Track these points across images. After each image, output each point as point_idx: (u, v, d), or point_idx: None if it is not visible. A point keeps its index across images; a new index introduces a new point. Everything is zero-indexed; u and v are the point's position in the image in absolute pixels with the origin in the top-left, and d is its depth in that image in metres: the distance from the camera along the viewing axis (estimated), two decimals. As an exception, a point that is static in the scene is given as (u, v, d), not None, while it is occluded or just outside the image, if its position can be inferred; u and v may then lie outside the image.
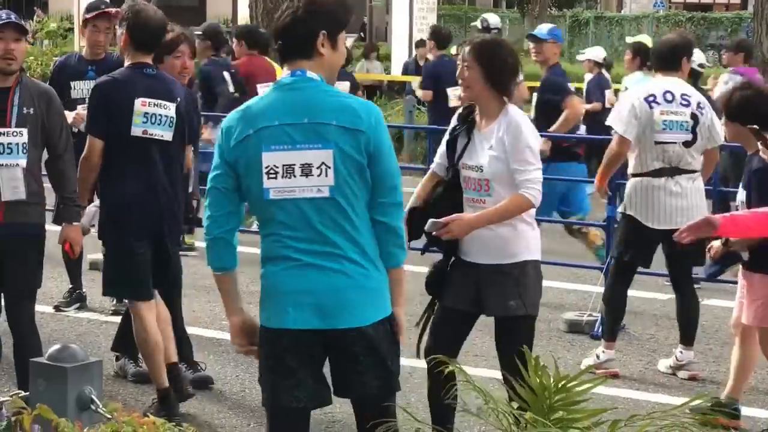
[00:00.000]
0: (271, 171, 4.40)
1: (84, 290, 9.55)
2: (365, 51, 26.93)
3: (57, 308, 9.28)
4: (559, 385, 3.87)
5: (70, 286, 9.52)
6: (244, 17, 37.25)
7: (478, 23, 16.23)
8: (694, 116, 7.96)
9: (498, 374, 7.88)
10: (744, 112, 6.49)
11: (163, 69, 7.05)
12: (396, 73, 24.29)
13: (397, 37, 26.34)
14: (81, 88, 8.92)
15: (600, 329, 8.95)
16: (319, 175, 4.39)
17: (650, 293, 10.21)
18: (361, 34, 40.82)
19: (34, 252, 6.54)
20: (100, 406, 4.31)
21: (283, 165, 4.39)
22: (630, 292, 8.52)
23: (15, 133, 6.39)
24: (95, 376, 4.39)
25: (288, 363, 4.50)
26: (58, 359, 4.34)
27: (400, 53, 25.30)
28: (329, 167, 4.38)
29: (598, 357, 8.15)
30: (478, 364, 8.25)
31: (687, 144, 7.95)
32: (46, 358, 4.47)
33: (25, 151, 6.41)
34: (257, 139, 4.42)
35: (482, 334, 8.87)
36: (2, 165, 6.39)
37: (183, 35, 7.39)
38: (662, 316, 9.70)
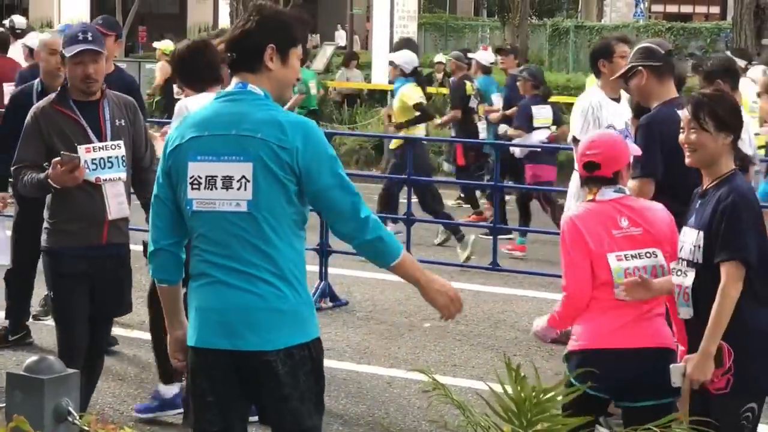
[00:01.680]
0: (195, 182, 4.30)
1: None
2: (345, 59, 26.93)
3: (35, 317, 9.23)
4: (540, 397, 3.83)
5: (46, 293, 9.49)
6: (224, 25, 37.24)
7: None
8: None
9: (477, 384, 7.92)
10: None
11: None
12: (376, 81, 24.30)
13: (377, 45, 26.37)
14: None
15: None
16: (238, 189, 4.26)
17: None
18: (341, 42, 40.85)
19: (126, 272, 6.39)
20: (77, 418, 4.28)
21: (207, 176, 4.29)
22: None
23: (113, 146, 6.16)
24: (72, 388, 4.36)
25: (199, 383, 4.42)
26: (35, 371, 4.31)
27: (380, 61, 25.33)
28: (248, 180, 4.24)
29: None
30: (457, 374, 8.25)
31: None
32: (23, 369, 4.44)
33: (124, 164, 6.20)
34: (186, 148, 4.33)
35: (461, 344, 8.93)
36: (106, 180, 6.14)
37: None
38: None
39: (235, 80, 4.41)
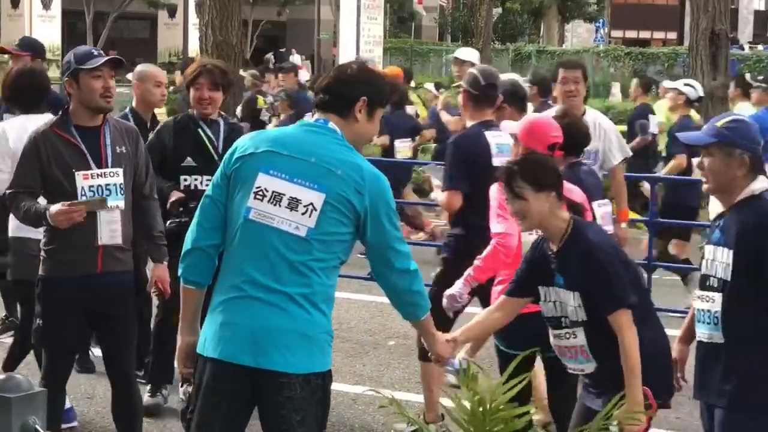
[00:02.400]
0: (260, 192, 4.33)
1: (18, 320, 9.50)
2: (312, 83, 26.95)
3: None
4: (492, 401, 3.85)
5: (5, 314, 9.46)
6: (194, 50, 37.20)
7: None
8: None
9: (442, 400, 7.91)
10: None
11: None
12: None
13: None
14: None
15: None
16: (303, 213, 4.30)
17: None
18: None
19: (131, 302, 6.11)
20: (44, 436, 4.26)
21: (273, 191, 4.32)
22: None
23: (112, 174, 5.95)
24: (39, 406, 4.32)
25: (210, 394, 4.38)
26: (3, 389, 4.27)
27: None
28: (315, 210, 4.29)
29: None
30: (421, 390, 8.23)
31: None
32: (-9, 388, 4.41)
33: (122, 191, 5.97)
34: (259, 159, 4.36)
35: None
36: (113, 207, 5.99)
37: None
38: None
39: (318, 115, 4.50)
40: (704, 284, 4.98)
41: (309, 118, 4.58)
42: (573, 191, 5.99)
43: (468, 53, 12.57)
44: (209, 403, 4.38)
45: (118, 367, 6.12)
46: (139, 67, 8.22)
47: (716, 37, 19.47)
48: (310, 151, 4.35)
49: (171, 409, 7.59)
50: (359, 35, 25.75)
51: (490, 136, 7.12)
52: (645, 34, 67.62)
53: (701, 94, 13.10)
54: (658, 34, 68.40)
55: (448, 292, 6.42)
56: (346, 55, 26.28)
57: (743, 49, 40.46)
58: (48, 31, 40.34)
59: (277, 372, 4.26)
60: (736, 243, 4.83)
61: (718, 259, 4.90)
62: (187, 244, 4.48)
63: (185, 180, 7.21)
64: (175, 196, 7.09)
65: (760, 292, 4.81)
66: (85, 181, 5.88)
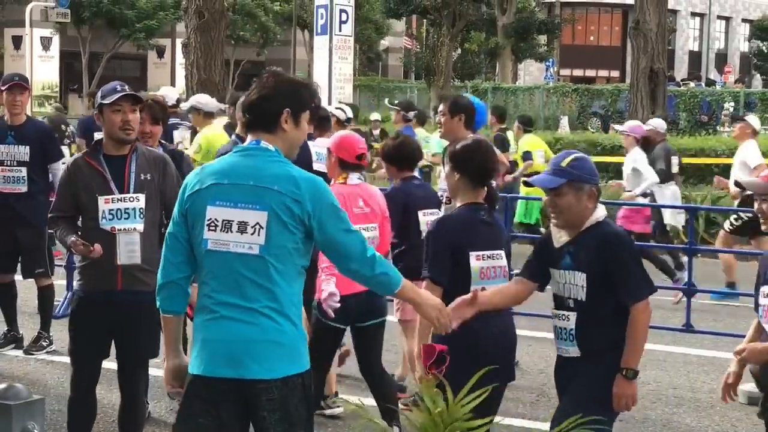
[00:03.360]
0: (212, 224, 4.32)
1: (21, 332, 9.46)
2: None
3: None
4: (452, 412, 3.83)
5: (6, 329, 9.41)
6: (181, 87, 37.17)
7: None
8: None
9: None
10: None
11: None
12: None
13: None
14: (2, 151, 9.03)
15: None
16: (252, 234, 4.28)
17: (541, 333, 10.27)
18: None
19: (148, 321, 5.90)
20: (43, 440, 4.23)
21: (223, 220, 4.31)
22: (523, 332, 8.50)
23: (132, 199, 5.97)
24: (38, 413, 4.30)
25: (195, 409, 4.36)
26: (3, 397, 4.25)
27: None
28: (262, 227, 4.27)
29: None
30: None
31: None
32: (-8, 396, 4.38)
33: (141, 215, 5.98)
34: (206, 194, 4.35)
35: (394, 367, 8.87)
36: (120, 230, 5.98)
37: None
38: (551, 354, 9.73)
39: (250, 137, 4.45)
40: (560, 305, 5.12)
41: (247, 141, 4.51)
42: (375, 196, 6.93)
43: None
44: (192, 416, 4.36)
45: (127, 381, 6.14)
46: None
47: (655, 75, 19.64)
48: (247, 175, 4.34)
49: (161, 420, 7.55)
50: (331, 73, 25.74)
51: (311, 145, 8.35)
52: (591, 73, 68.04)
53: None
54: (603, 73, 68.85)
55: (325, 293, 6.51)
56: (319, 91, 26.27)
57: (679, 86, 40.67)
58: (47, 70, 40.27)
59: (256, 380, 4.26)
60: (588, 266, 4.96)
61: (572, 282, 5.03)
62: (160, 279, 4.50)
63: None
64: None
65: (610, 308, 4.97)
66: (105, 205, 5.96)
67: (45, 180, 9.09)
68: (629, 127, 13.14)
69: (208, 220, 4.33)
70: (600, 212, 5.06)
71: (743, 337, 9.36)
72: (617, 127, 14.69)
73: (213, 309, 4.33)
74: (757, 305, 5.29)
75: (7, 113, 9.11)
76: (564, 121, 35.16)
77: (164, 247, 4.50)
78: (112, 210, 5.96)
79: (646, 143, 12.84)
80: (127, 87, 6.08)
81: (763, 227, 5.22)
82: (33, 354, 9.13)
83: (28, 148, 8.93)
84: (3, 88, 8.95)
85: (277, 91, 4.42)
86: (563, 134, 29.91)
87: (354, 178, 6.87)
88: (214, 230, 4.32)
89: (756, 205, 5.24)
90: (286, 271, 4.33)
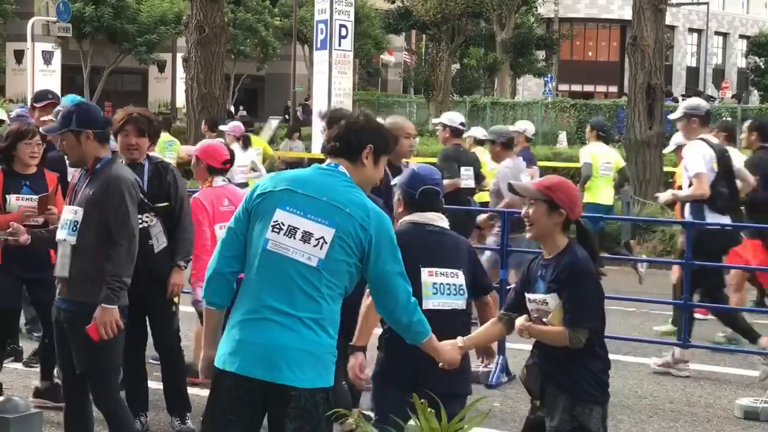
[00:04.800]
0: (277, 226, 4.44)
1: (21, 345, 9.43)
2: (289, 132, 26.97)
3: None
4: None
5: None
6: (181, 101, 37.19)
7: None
8: None
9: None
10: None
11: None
12: (316, 151, 24.34)
13: (317, 119, 26.44)
14: None
15: (495, 378, 9.01)
16: (314, 245, 4.41)
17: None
18: (286, 116, 40.95)
19: (78, 330, 5.86)
20: (40, 453, 4.23)
21: (289, 225, 4.44)
22: (520, 346, 8.47)
23: (74, 211, 5.98)
24: (35, 426, 4.31)
25: (225, 405, 4.44)
26: (2, 410, 4.26)
27: (320, 134, 25.38)
28: (326, 243, 4.41)
29: None
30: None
31: None
32: (-9, 409, 4.38)
33: (75, 229, 5.92)
34: (277, 197, 4.49)
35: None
36: (60, 240, 6.04)
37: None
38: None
39: (329, 160, 4.64)
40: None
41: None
42: (237, 195, 7.60)
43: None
44: (223, 412, 4.44)
45: (76, 394, 6.11)
46: (390, 120, 8.21)
47: (652, 90, 19.63)
48: (322, 191, 4.49)
49: None
50: (331, 88, 25.75)
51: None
52: (589, 88, 68.08)
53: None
54: (601, 88, 68.89)
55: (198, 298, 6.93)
56: (319, 105, 26.31)
57: (677, 101, 40.66)
58: (49, 84, 40.20)
59: (287, 386, 4.35)
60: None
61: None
62: (210, 270, 4.59)
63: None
64: None
65: None
66: (63, 213, 6.15)
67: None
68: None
69: (274, 222, 4.45)
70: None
71: (740, 351, 9.33)
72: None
73: (256, 309, 4.42)
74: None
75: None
76: (562, 136, 35.14)
77: (220, 241, 4.62)
78: (62, 220, 6.09)
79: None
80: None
81: (527, 232, 5.28)
82: (33, 367, 9.11)
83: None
84: (37, 106, 8.88)
85: (366, 128, 4.67)
86: (561, 149, 29.95)
87: (219, 180, 7.80)
88: (278, 233, 4.44)
89: (523, 210, 5.28)
90: (335, 289, 4.46)
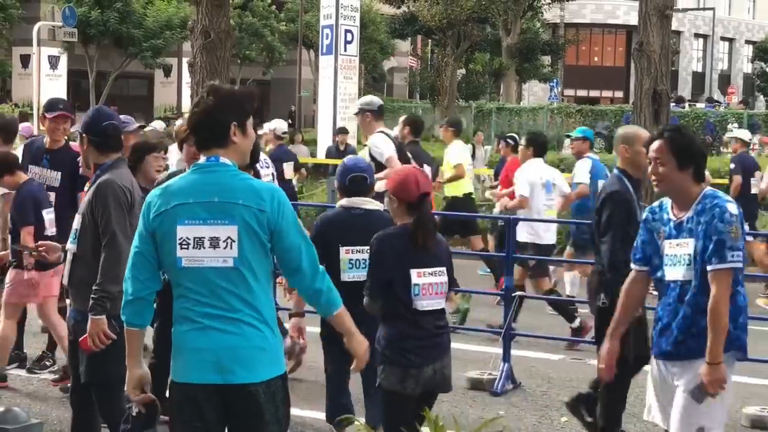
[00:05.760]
0: (184, 242, 4.41)
1: (25, 351, 9.40)
2: (291, 136, 26.92)
3: None
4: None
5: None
6: (187, 106, 37.13)
7: None
8: (273, 175, 9.17)
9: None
10: None
11: None
12: (320, 156, 24.32)
13: (322, 124, 26.44)
14: (35, 173, 8.90)
15: (500, 386, 8.95)
16: (225, 248, 4.40)
17: (543, 354, 10.21)
18: (290, 120, 40.93)
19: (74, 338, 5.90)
20: (41, 464, 4.18)
21: (195, 237, 4.41)
22: (525, 353, 8.47)
23: (77, 219, 5.94)
24: (36, 436, 4.27)
25: (187, 414, 4.48)
26: (2, 421, 4.22)
27: (325, 139, 25.38)
28: (234, 241, 4.40)
29: None
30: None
31: None
32: (-9, 419, 4.34)
33: (75, 237, 5.89)
34: (174, 214, 4.44)
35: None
36: (67, 248, 6.01)
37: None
38: (554, 375, 9.69)
39: (204, 155, 4.53)
40: None
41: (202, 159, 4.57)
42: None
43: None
44: (188, 422, 4.48)
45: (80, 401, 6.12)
46: (630, 130, 7.41)
47: (658, 96, 19.52)
48: (211, 192, 4.44)
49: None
50: (336, 93, 25.77)
51: None
52: (594, 93, 68.06)
53: None
54: (606, 93, 68.87)
55: None
56: (324, 110, 26.30)
57: (685, 107, 40.69)
58: (55, 88, 40.24)
59: (243, 384, 4.41)
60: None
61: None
62: (128, 295, 4.56)
63: None
64: None
65: None
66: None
67: (72, 208, 8.99)
68: None
69: (180, 239, 4.42)
70: None
71: (759, 360, 9.21)
72: None
73: (196, 320, 4.43)
74: None
75: (47, 137, 9.02)
76: (568, 142, 35.09)
77: (130, 264, 4.55)
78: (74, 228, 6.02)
79: None
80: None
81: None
82: (36, 373, 9.08)
83: (59, 174, 8.88)
84: (49, 116, 8.86)
85: (220, 105, 4.49)
86: (567, 155, 29.88)
87: None
88: (187, 248, 4.41)
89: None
90: (261, 279, 4.47)
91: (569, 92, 65.62)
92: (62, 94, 41.17)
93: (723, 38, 76.01)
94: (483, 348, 10.25)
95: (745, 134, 16.97)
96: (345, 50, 25.71)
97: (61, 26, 32.99)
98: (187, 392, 4.47)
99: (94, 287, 5.72)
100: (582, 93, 67.00)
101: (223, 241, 4.40)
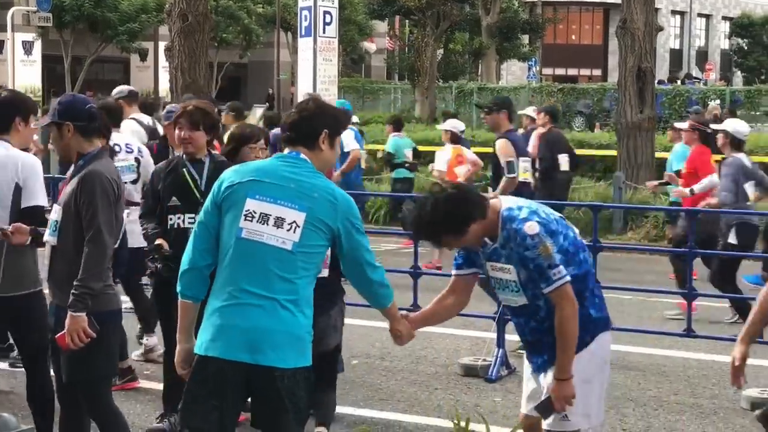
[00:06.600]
0: (249, 214, 4.54)
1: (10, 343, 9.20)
2: (275, 120, 26.68)
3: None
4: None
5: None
6: (164, 90, 36.89)
7: None
8: (137, 160, 9.03)
9: (402, 417, 7.68)
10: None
11: None
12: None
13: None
14: None
15: (494, 372, 8.79)
16: (288, 230, 4.52)
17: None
18: (268, 104, 40.69)
19: (45, 331, 5.71)
20: (30, 469, 4.01)
21: (261, 213, 4.54)
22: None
23: (56, 210, 5.65)
24: (26, 441, 4.09)
25: (209, 389, 4.50)
26: (-10, 426, 4.04)
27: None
28: (299, 226, 4.53)
29: None
30: (384, 407, 7.99)
31: (134, 182, 8.97)
32: (-22, 424, 4.16)
33: (55, 229, 5.61)
34: (246, 187, 4.59)
35: (386, 379, 8.67)
36: (45, 240, 5.72)
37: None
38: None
39: (288, 149, 4.75)
40: None
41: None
42: None
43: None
44: (207, 397, 4.50)
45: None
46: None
47: (642, 73, 19.48)
48: (288, 178, 4.60)
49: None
50: (315, 75, 25.53)
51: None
52: (572, 71, 68.06)
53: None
54: (585, 71, 68.87)
55: None
56: (303, 93, 26.09)
57: (666, 83, 40.65)
58: (30, 74, 39.92)
59: (271, 367, 4.44)
60: None
61: None
62: (185, 264, 4.66)
63: (170, 219, 6.98)
64: (158, 242, 6.97)
65: None
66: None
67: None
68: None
69: (246, 211, 4.55)
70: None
71: (761, 342, 8.98)
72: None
73: (234, 294, 4.50)
74: None
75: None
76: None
77: (192, 235, 4.69)
78: (50, 220, 5.76)
79: None
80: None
81: None
82: (19, 367, 8.87)
83: None
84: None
85: (319, 113, 4.77)
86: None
87: None
88: (251, 221, 4.54)
89: None
90: (309, 270, 4.59)
91: (547, 71, 65.56)
92: (37, 80, 40.85)
93: (700, 15, 76.04)
94: (476, 333, 10.11)
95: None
96: (324, 32, 25.43)
97: (36, 11, 32.74)
98: (214, 368, 4.48)
99: (75, 282, 5.43)
100: (560, 71, 66.97)
101: (288, 224, 4.53)
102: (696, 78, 54.55)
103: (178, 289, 4.70)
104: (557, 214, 5.27)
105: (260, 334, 4.45)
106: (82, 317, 5.43)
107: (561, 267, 4.95)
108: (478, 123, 34.73)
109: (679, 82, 46.43)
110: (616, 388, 8.56)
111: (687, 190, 11.45)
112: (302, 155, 4.69)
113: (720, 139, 10.81)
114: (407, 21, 51.18)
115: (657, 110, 20.10)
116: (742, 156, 10.70)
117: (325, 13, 25.47)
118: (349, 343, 9.60)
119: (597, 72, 68.47)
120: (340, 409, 7.42)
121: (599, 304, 5.24)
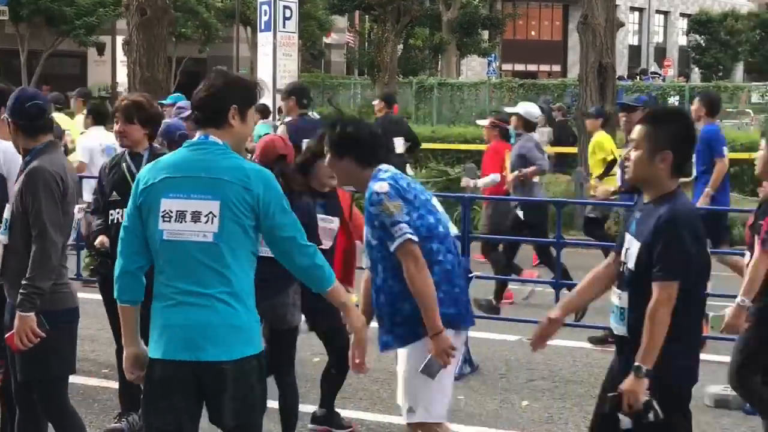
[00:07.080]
0: (167, 215, 4.49)
1: None
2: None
3: None
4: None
5: None
6: (122, 84, 36.57)
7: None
8: None
9: (363, 415, 7.61)
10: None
11: None
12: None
13: (261, 101, 26.06)
14: None
15: (457, 370, 8.73)
16: (206, 222, 4.46)
17: (500, 335, 10.02)
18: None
19: None
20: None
21: (177, 211, 4.49)
22: (482, 335, 8.28)
23: (7, 209, 5.57)
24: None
25: (160, 391, 4.51)
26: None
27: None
28: (215, 216, 4.46)
29: None
30: (345, 405, 7.91)
31: None
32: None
33: (6, 227, 5.52)
34: (160, 187, 4.52)
35: (349, 376, 8.59)
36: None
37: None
38: (511, 357, 9.50)
39: (199, 133, 4.64)
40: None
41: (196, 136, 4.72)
42: None
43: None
44: (158, 399, 4.51)
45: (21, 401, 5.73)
46: None
47: (603, 69, 19.49)
48: (198, 167, 4.53)
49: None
50: (276, 70, 25.42)
51: None
52: (532, 67, 68.28)
53: None
54: (544, 67, 69.12)
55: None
56: (265, 89, 25.92)
57: (627, 80, 40.77)
58: (-16, 68, 39.50)
59: (214, 362, 4.43)
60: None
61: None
62: (117, 270, 4.63)
63: (111, 214, 6.93)
64: (98, 241, 6.98)
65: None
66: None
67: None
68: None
69: (163, 212, 4.50)
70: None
71: (720, 339, 8.94)
72: None
73: (170, 296, 4.48)
74: None
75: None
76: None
77: (119, 240, 4.62)
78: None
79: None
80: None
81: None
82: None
83: None
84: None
85: (225, 88, 4.61)
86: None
87: None
88: (169, 221, 4.49)
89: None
90: (239, 257, 4.51)
91: (507, 67, 65.71)
92: (-8, 73, 40.38)
93: (658, 11, 76.48)
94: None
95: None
96: (284, 27, 25.34)
97: (-9, 5, 32.31)
98: (160, 370, 4.49)
99: (23, 282, 5.30)
100: (520, 67, 67.15)
101: (205, 216, 4.46)
102: (655, 73, 54.85)
103: (115, 294, 4.66)
104: (429, 196, 5.30)
105: (200, 331, 4.43)
106: (31, 317, 5.31)
107: (404, 225, 5.04)
108: (438, 119, 34.77)
109: (637, 78, 46.71)
110: (580, 385, 8.55)
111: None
112: (211, 137, 4.58)
113: (513, 121, 12.04)
114: (367, 16, 51.05)
115: (618, 106, 20.07)
116: (533, 135, 12.04)
117: (285, 7, 25.37)
118: (310, 340, 9.52)
119: (556, 68, 68.72)
120: (301, 407, 7.32)
121: (446, 299, 5.20)
